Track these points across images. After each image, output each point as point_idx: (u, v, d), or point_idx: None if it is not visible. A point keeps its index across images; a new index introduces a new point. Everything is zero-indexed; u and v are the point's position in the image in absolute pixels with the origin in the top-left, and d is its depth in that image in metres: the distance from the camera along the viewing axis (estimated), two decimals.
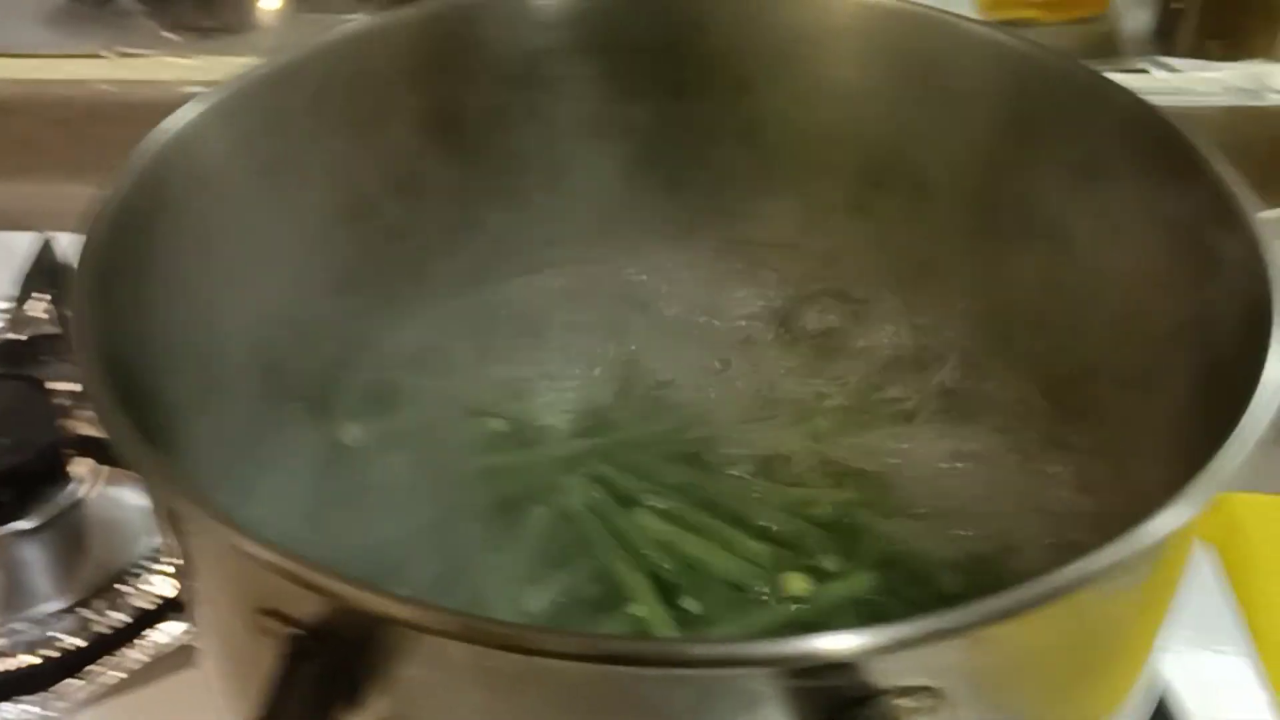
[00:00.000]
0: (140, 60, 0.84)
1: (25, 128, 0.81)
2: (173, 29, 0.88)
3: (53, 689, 0.52)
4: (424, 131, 0.52)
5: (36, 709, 0.51)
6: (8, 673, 0.52)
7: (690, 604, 0.44)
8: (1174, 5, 0.85)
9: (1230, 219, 0.37)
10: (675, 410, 0.52)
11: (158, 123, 0.43)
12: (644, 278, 0.57)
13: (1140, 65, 0.83)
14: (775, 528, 0.46)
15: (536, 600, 0.44)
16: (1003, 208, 0.49)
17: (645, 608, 0.43)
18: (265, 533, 0.43)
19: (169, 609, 0.54)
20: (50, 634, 0.53)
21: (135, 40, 0.86)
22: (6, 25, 0.88)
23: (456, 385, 0.52)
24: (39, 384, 0.60)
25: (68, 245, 0.66)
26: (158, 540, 0.54)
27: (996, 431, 0.50)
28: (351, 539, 0.46)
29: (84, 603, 0.55)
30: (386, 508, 0.47)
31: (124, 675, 0.52)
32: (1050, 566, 0.28)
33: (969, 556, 0.45)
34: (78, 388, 0.57)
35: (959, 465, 0.49)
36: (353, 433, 0.51)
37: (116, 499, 0.58)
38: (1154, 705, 0.50)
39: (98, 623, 0.54)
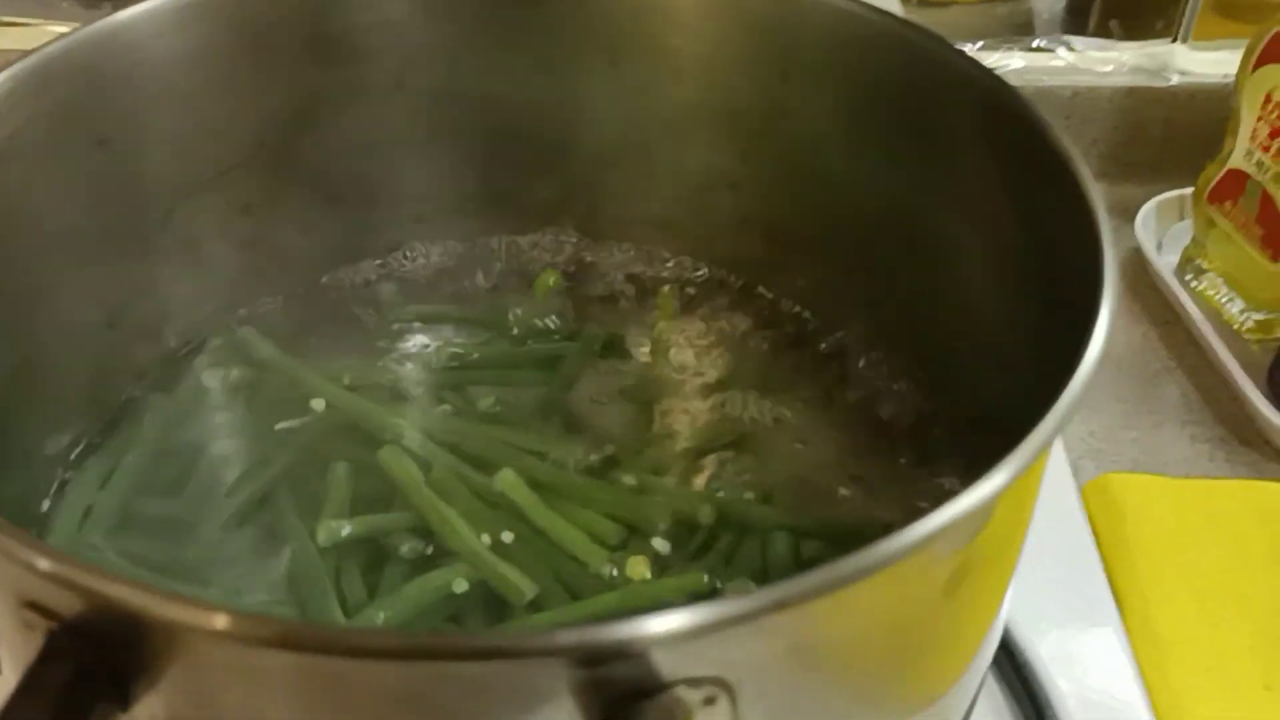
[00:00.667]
0: (23, 30, 0.81)
1: None
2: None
3: None
4: (275, 102, 0.50)
5: None
6: None
7: (514, 574, 0.43)
8: None
9: (1068, 193, 0.36)
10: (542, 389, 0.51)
11: None
12: (504, 255, 0.56)
13: (1045, 45, 0.82)
14: (626, 513, 0.45)
15: (325, 534, 0.44)
16: (861, 182, 0.48)
17: (471, 566, 0.43)
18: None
19: None
20: None
21: (27, 9, 0.83)
22: None
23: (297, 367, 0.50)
24: None
25: None
26: None
27: (850, 408, 0.49)
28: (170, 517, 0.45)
29: None
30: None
31: None
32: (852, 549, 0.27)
33: (824, 544, 0.45)
34: None
35: (799, 447, 0.48)
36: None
37: None
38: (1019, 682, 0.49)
39: None
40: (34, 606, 0.28)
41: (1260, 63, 0.66)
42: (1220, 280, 0.70)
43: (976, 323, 0.43)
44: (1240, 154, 0.68)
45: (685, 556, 0.45)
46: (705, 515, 0.45)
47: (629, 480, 0.47)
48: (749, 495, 0.47)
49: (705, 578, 0.43)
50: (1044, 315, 0.35)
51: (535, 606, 0.43)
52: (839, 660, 0.29)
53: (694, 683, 0.27)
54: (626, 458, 0.48)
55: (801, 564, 0.44)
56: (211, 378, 0.51)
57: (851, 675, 0.30)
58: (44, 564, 0.27)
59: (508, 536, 0.45)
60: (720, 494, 0.47)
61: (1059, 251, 0.36)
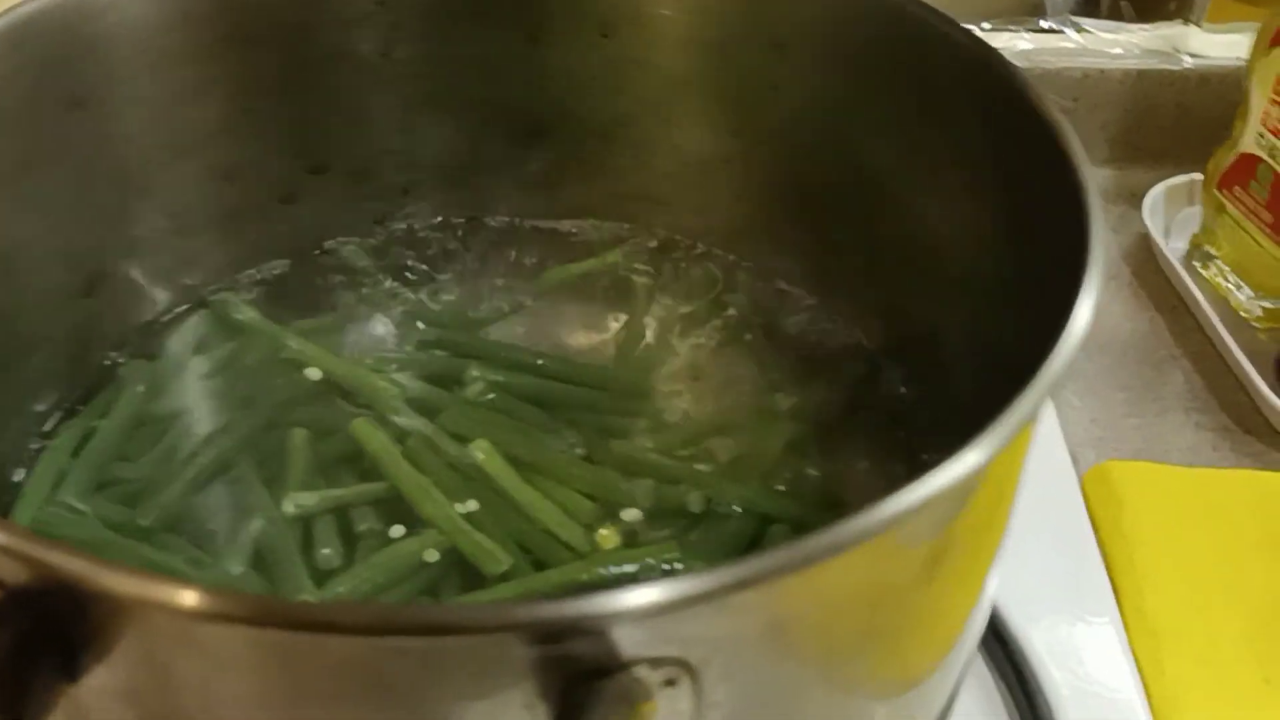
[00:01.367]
0: None
1: None
2: None
3: None
4: (261, 68, 0.49)
5: None
6: None
7: (488, 543, 0.42)
8: None
9: (1058, 163, 0.35)
10: (529, 365, 0.50)
11: None
12: (500, 228, 0.55)
13: (1055, 26, 0.80)
14: (606, 493, 0.45)
15: (294, 505, 0.43)
16: (855, 156, 0.47)
17: (444, 535, 0.42)
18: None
19: None
20: None
21: None
22: None
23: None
24: None
25: None
26: None
27: (840, 388, 0.48)
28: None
29: None
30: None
31: None
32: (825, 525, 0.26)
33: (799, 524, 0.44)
34: None
35: (786, 426, 0.47)
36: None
37: None
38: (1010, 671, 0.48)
39: None
40: None
41: (1273, 45, 0.65)
42: (1228, 267, 0.69)
43: (970, 299, 0.42)
44: (1251, 138, 0.66)
45: (659, 529, 0.44)
46: (694, 503, 0.44)
47: (612, 456, 0.46)
48: (727, 474, 0.46)
49: (676, 550, 0.42)
50: (1037, 292, 0.34)
51: (506, 577, 0.42)
52: (810, 641, 0.28)
53: (655, 662, 0.26)
54: (609, 438, 0.47)
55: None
56: (191, 345, 0.50)
57: (823, 657, 0.29)
58: None
59: (477, 508, 0.44)
60: (702, 470, 0.46)
61: (1050, 224, 0.35)
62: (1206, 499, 0.57)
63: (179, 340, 0.50)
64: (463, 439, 0.46)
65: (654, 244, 0.55)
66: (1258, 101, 0.66)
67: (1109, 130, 0.78)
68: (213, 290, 0.51)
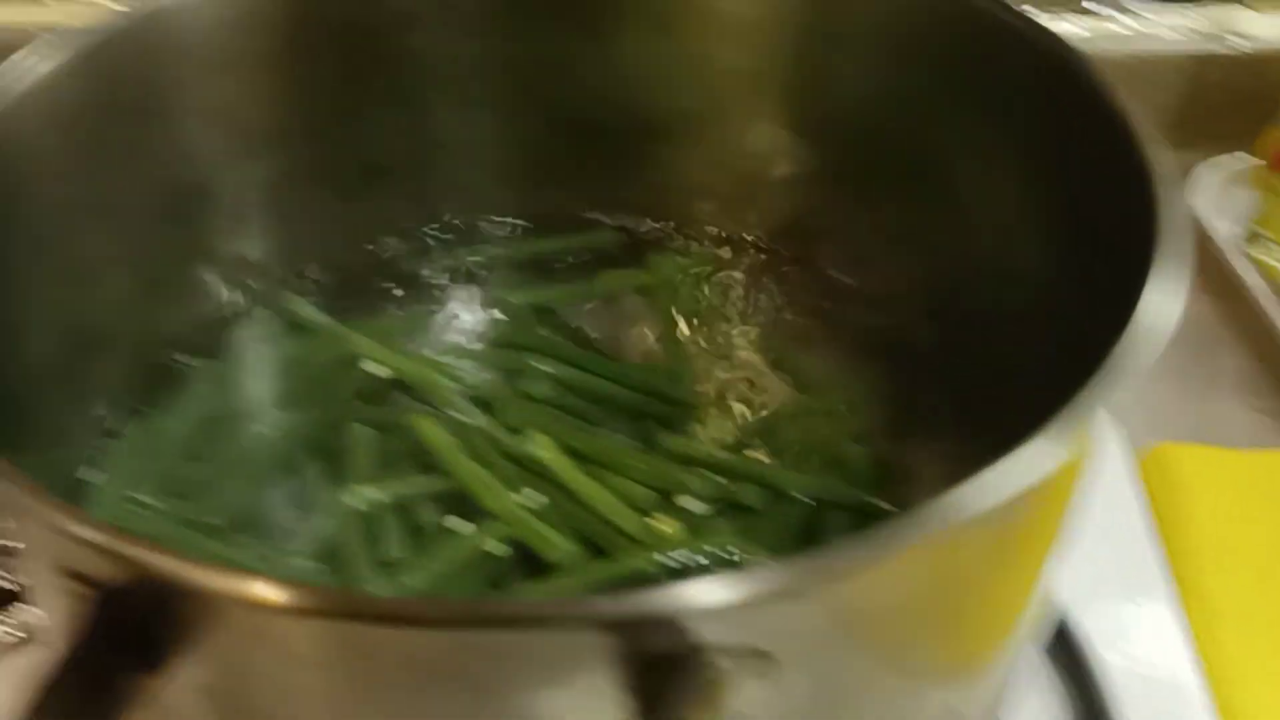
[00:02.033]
0: (72, 6, 0.81)
1: None
2: None
3: None
4: (319, 72, 0.49)
5: None
6: None
7: (550, 532, 0.43)
8: None
9: (1128, 154, 0.35)
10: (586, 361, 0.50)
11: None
12: (557, 225, 0.55)
13: (1101, 9, 0.80)
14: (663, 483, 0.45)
15: (358, 499, 0.44)
16: (917, 148, 0.47)
17: (507, 526, 0.43)
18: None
19: None
20: None
21: None
22: None
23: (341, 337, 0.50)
24: None
25: None
26: None
27: (889, 378, 0.49)
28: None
29: None
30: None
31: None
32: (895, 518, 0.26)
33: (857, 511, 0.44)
34: None
35: (845, 419, 0.47)
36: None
37: None
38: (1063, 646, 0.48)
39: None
40: (73, 574, 0.28)
41: None
42: None
43: (1033, 290, 0.42)
44: None
45: (717, 516, 0.45)
46: (751, 497, 0.45)
47: (670, 449, 0.47)
48: (788, 465, 0.46)
49: (734, 538, 0.43)
50: (1106, 282, 0.34)
51: (567, 567, 0.43)
52: (881, 630, 0.29)
53: (733, 653, 0.26)
54: (668, 430, 0.47)
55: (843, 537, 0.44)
56: (255, 344, 0.51)
57: (893, 645, 0.29)
58: (83, 532, 0.27)
59: (539, 499, 0.44)
60: (758, 460, 0.46)
61: (1119, 212, 0.35)
62: (1265, 481, 0.57)
63: (243, 339, 0.51)
64: (521, 433, 0.47)
65: (712, 240, 0.55)
66: None
67: (1159, 113, 0.78)
68: (275, 290, 0.52)
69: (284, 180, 0.51)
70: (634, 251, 0.55)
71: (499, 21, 0.51)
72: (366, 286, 0.54)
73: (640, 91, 0.53)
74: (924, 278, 0.49)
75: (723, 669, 0.26)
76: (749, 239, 0.55)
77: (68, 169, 0.43)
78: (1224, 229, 0.71)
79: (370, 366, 0.49)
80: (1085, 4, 0.78)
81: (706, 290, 0.54)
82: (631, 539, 0.43)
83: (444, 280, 0.54)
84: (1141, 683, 0.49)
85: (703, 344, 0.51)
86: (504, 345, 0.51)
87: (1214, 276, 0.69)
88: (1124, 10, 0.78)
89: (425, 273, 0.54)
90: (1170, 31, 0.77)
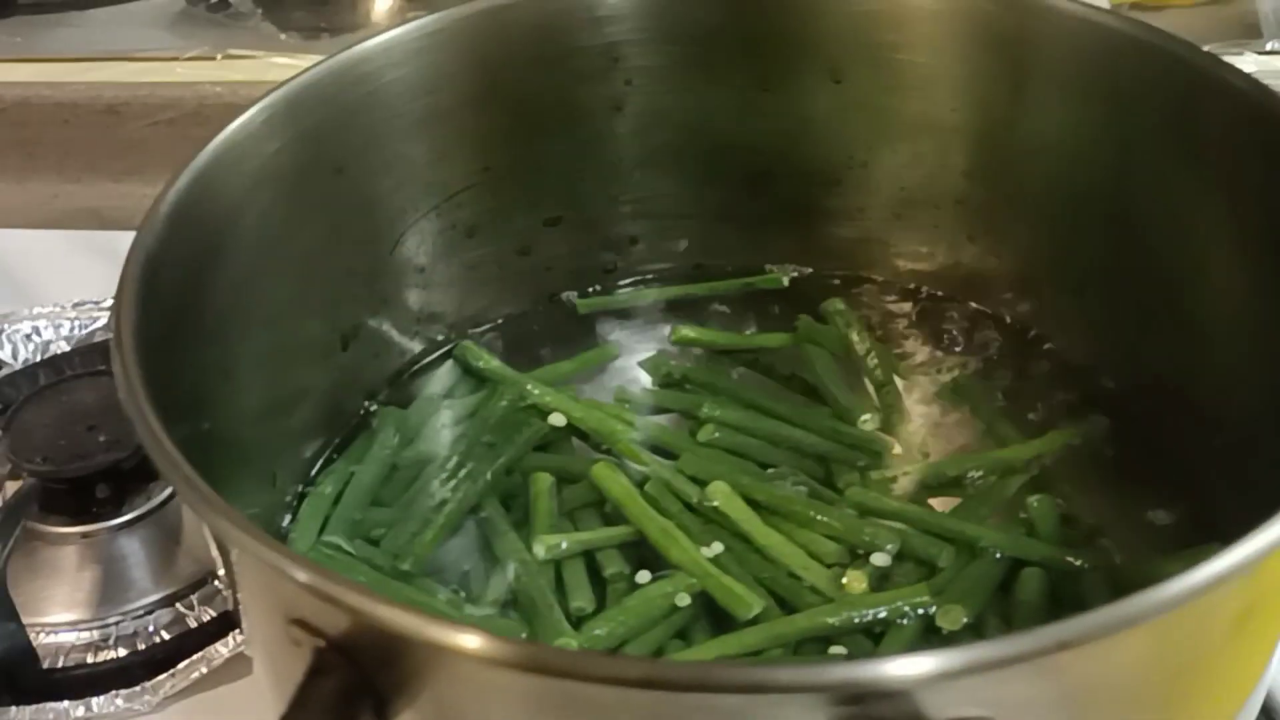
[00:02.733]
0: (248, 61, 0.85)
1: (136, 130, 0.83)
2: (287, 30, 0.89)
3: (142, 684, 0.52)
4: (500, 127, 0.51)
5: (122, 703, 0.51)
6: (102, 665, 0.53)
7: (739, 587, 0.43)
8: None
9: None
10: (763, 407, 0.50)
11: None
12: (725, 273, 0.56)
13: (1277, 48, 0.77)
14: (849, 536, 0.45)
15: (544, 549, 0.44)
16: (1101, 196, 0.46)
17: (693, 579, 0.43)
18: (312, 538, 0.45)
19: None
20: (145, 627, 0.54)
21: (248, 42, 0.87)
22: (126, 29, 0.90)
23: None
24: None
25: None
26: None
27: (1093, 437, 0.47)
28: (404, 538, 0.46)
29: (179, 595, 0.55)
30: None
31: (207, 670, 0.53)
32: (1133, 586, 0.26)
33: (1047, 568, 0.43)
34: None
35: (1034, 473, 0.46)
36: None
37: None
38: None
39: (190, 616, 0.54)
40: (301, 624, 0.29)
41: None
42: None
43: (1237, 346, 0.41)
44: None
45: (907, 570, 0.44)
46: (943, 557, 0.44)
47: (856, 500, 0.46)
48: (970, 517, 0.46)
49: (928, 595, 0.42)
50: None
51: (754, 621, 0.42)
52: (1109, 703, 0.28)
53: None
54: (851, 482, 0.47)
55: (1045, 599, 0.43)
56: (438, 392, 0.52)
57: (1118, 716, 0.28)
58: (314, 582, 0.28)
59: (718, 549, 0.44)
60: (945, 514, 0.46)
61: None
62: None
63: (427, 388, 0.52)
64: (699, 481, 0.47)
65: (880, 288, 0.55)
66: None
67: None
68: (456, 339, 0.53)
69: (465, 233, 0.52)
70: (808, 298, 0.55)
71: (674, 75, 0.52)
72: (543, 334, 0.55)
73: (810, 140, 0.53)
74: (1114, 329, 0.48)
75: None
76: (919, 287, 0.55)
77: (271, 222, 0.44)
78: None
79: (553, 419, 0.50)
80: (1269, 44, 0.76)
81: (888, 338, 0.53)
82: (819, 593, 0.43)
83: (616, 328, 0.55)
84: None
85: (885, 391, 0.51)
86: (676, 389, 0.51)
87: None
88: None
89: (597, 321, 0.55)
90: None
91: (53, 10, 0.91)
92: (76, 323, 0.66)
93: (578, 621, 0.43)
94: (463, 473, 0.48)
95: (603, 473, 0.47)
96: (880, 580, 0.44)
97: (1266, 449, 0.36)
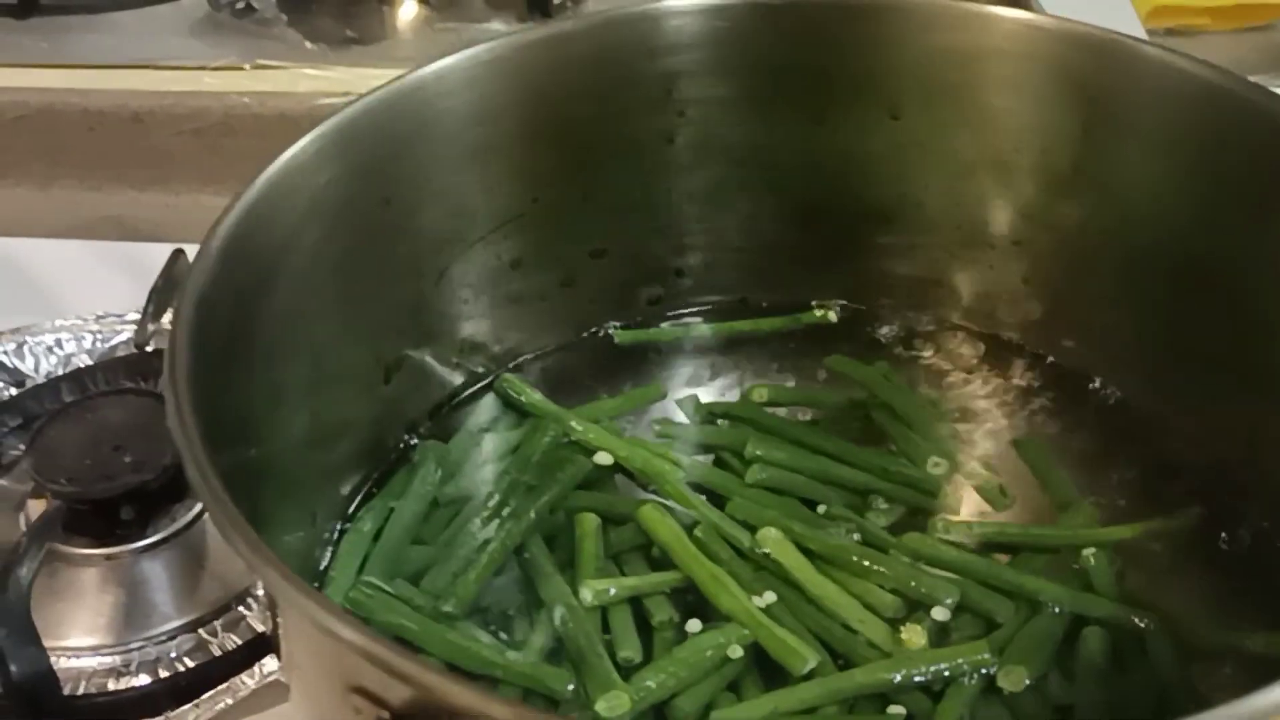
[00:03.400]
0: (277, 72, 0.84)
1: (162, 140, 0.82)
2: (314, 39, 0.88)
3: (165, 714, 0.51)
4: (550, 158, 0.50)
5: None
6: (124, 692, 0.52)
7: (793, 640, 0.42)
8: None
9: None
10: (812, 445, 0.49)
11: (290, 134, 0.42)
12: (772, 310, 0.55)
13: None
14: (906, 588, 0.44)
15: (591, 594, 0.43)
16: (1167, 242, 0.45)
17: (745, 629, 0.42)
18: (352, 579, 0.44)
19: None
20: (168, 654, 0.53)
21: (276, 51, 0.86)
22: (151, 37, 0.89)
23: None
24: (163, 400, 0.59)
25: None
26: None
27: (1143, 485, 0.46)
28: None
29: (203, 621, 0.54)
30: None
31: (233, 701, 0.51)
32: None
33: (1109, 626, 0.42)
34: None
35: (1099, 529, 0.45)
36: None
37: None
38: None
39: (214, 644, 0.53)
40: (363, 693, 0.28)
41: None
42: None
43: None
44: None
45: (965, 624, 0.43)
46: (1003, 612, 0.43)
47: (911, 547, 0.45)
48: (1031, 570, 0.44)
49: (988, 654, 0.41)
50: None
51: (809, 675, 0.41)
52: None
53: None
54: (907, 530, 0.46)
55: (1109, 659, 0.42)
56: (480, 427, 0.51)
57: None
58: (381, 654, 0.27)
59: (770, 599, 0.43)
60: (1007, 566, 0.45)
61: None
62: None
63: (469, 422, 0.51)
64: (749, 526, 0.45)
65: (934, 328, 0.54)
66: None
67: None
68: (498, 372, 0.52)
69: (511, 265, 0.51)
70: (860, 337, 0.54)
71: (726, 108, 0.51)
72: (587, 368, 0.54)
73: (864, 177, 0.52)
74: (1187, 381, 0.47)
75: None
76: (975, 328, 0.54)
77: (319, 254, 0.44)
78: None
79: (599, 457, 0.48)
80: None
81: (938, 381, 0.52)
82: (876, 648, 0.42)
83: (661, 363, 0.54)
84: None
85: (930, 435, 0.50)
86: (720, 427, 0.50)
87: None
88: None
89: (642, 356, 0.54)
90: None
91: (75, 12, 0.90)
92: (99, 336, 0.65)
93: (626, 672, 0.42)
94: (505, 511, 0.47)
95: (650, 515, 0.46)
96: (939, 634, 0.43)
97: None
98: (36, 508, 0.55)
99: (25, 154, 0.81)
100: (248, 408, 0.39)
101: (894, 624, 0.43)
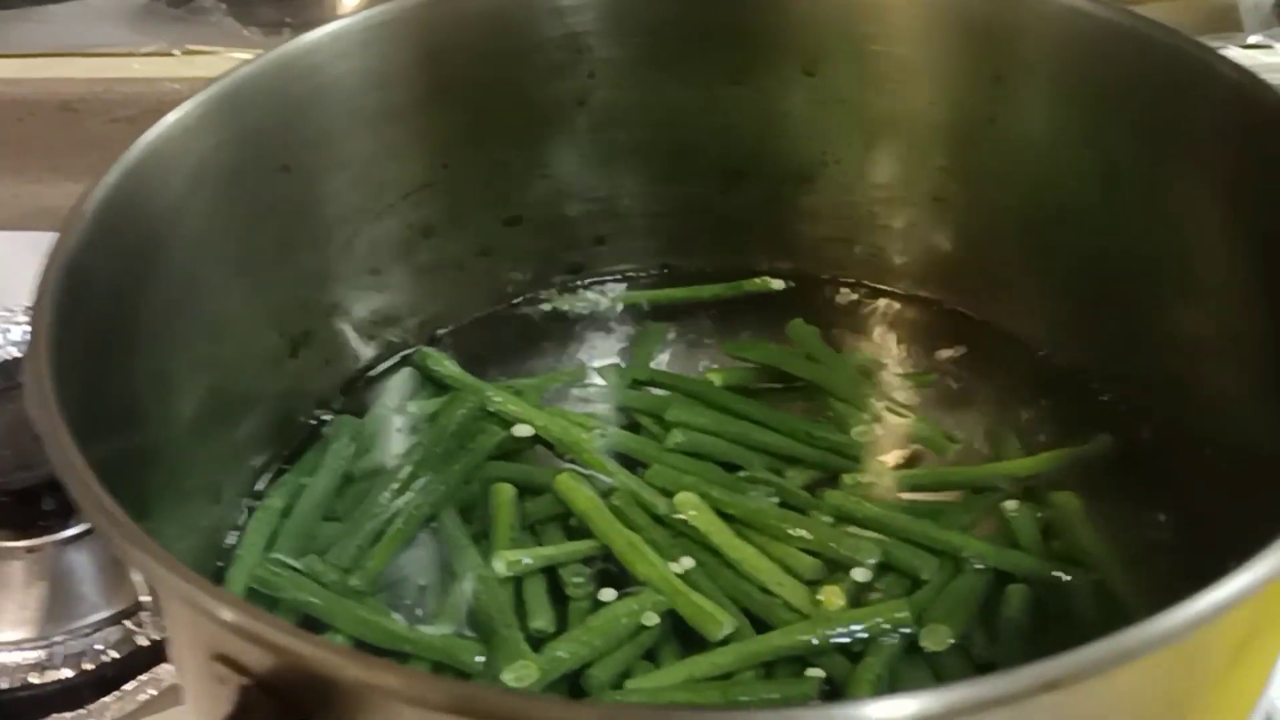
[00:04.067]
0: (209, 57, 0.83)
1: (95, 128, 0.80)
2: (250, 25, 0.87)
3: (87, 706, 0.50)
4: (457, 123, 0.49)
5: None
6: (47, 686, 0.51)
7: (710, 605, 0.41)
8: None
9: None
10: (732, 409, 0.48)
11: None
12: (695, 275, 0.54)
13: (1260, 40, 0.76)
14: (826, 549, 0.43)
15: (504, 565, 0.42)
16: (1084, 192, 0.44)
17: (662, 596, 0.41)
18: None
19: None
20: (93, 646, 0.51)
21: (209, 37, 0.85)
22: (86, 24, 0.88)
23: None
24: None
25: None
26: None
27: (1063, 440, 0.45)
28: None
29: (128, 613, 0.53)
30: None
31: (157, 692, 0.50)
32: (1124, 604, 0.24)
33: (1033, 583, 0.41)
34: None
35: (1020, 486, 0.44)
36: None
37: None
38: None
39: (139, 635, 0.52)
40: (225, 660, 0.27)
41: None
42: None
43: (1229, 351, 0.39)
44: None
45: (888, 583, 0.42)
46: (926, 570, 0.42)
47: (833, 505, 0.44)
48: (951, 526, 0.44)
49: (906, 613, 0.40)
50: None
51: (727, 640, 0.40)
52: None
53: None
54: (818, 488, 0.45)
55: (1032, 616, 0.41)
56: (394, 400, 0.50)
57: None
58: (235, 619, 0.26)
59: (688, 565, 0.42)
60: (928, 524, 0.43)
61: None
62: None
63: (385, 397, 0.50)
64: (668, 492, 0.45)
65: (856, 288, 0.53)
66: None
67: None
68: (414, 345, 0.51)
69: (422, 234, 0.50)
70: (783, 299, 0.53)
71: (638, 69, 0.50)
72: (503, 339, 0.52)
73: (782, 137, 0.51)
74: (1098, 330, 0.46)
75: None
76: (898, 287, 0.53)
77: (212, 223, 0.42)
78: None
79: (517, 429, 0.47)
80: (1249, 38, 0.74)
81: (866, 341, 0.51)
82: (795, 610, 0.41)
83: (581, 333, 0.53)
84: None
85: (854, 395, 0.49)
86: (643, 395, 0.49)
87: None
88: None
89: (562, 326, 0.53)
90: None
91: (10, 6, 0.88)
92: (28, 328, 0.64)
93: (538, 642, 0.41)
94: (418, 484, 0.46)
95: (566, 484, 0.45)
96: (860, 593, 0.42)
97: (1261, 467, 0.34)
98: None
99: None
100: (133, 387, 0.38)
101: (815, 586, 0.42)
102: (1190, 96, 0.39)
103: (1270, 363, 0.36)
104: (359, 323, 0.50)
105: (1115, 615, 0.39)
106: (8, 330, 0.64)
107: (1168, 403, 0.43)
